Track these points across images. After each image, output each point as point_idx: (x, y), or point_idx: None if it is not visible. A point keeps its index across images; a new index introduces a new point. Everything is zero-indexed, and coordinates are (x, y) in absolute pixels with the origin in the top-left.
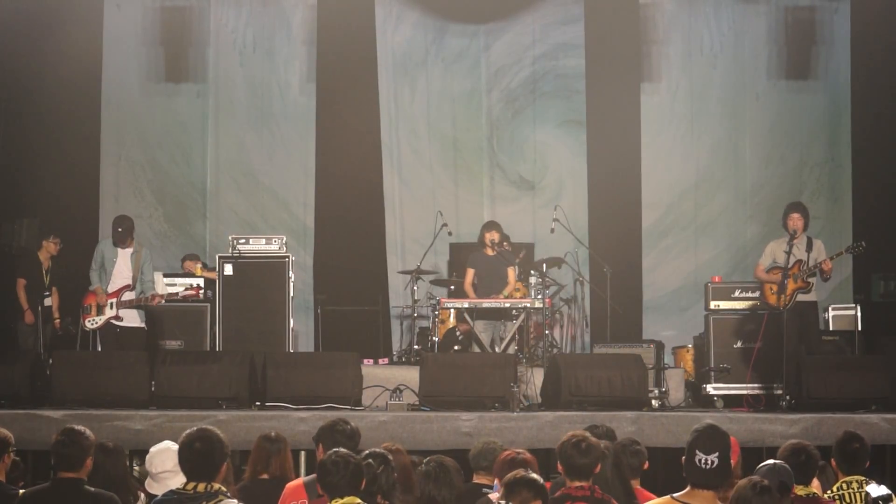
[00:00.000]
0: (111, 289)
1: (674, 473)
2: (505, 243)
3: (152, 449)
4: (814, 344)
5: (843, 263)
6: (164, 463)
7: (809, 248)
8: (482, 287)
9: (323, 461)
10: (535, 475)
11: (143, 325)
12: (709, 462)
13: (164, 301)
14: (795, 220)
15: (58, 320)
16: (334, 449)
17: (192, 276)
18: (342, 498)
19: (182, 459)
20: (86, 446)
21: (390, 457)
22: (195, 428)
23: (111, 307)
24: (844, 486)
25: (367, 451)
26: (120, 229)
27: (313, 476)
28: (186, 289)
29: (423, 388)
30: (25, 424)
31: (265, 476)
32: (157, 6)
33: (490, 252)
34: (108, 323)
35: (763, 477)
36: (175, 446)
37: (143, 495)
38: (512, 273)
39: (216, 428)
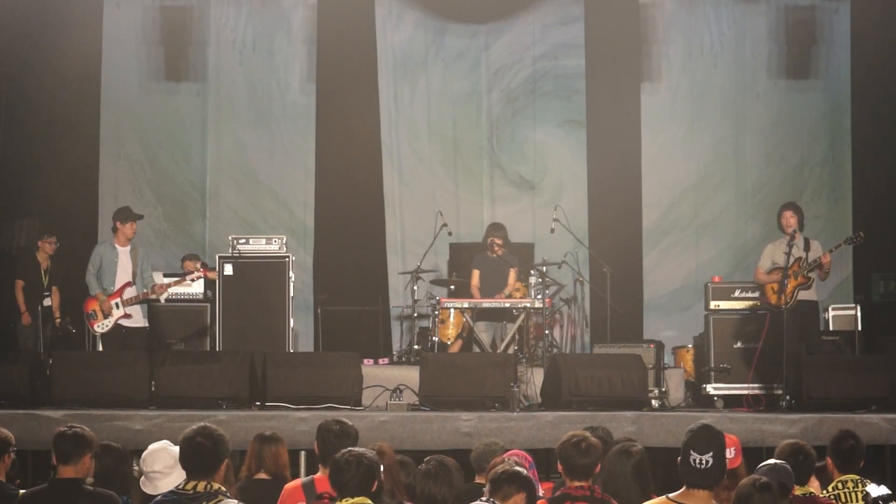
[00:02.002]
0: (116, 289)
1: (674, 473)
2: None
3: (148, 448)
4: (814, 344)
5: (843, 263)
6: (155, 463)
7: (807, 247)
8: (485, 288)
9: (336, 460)
10: (518, 468)
11: (146, 325)
12: (703, 462)
13: (168, 291)
14: (788, 217)
15: (58, 320)
16: (348, 448)
17: None
18: (353, 497)
19: (183, 454)
20: (86, 441)
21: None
22: (198, 424)
23: (117, 307)
24: (840, 485)
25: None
26: (133, 219)
27: (311, 477)
28: (196, 270)
29: (423, 388)
30: (25, 424)
31: (262, 475)
32: (157, 5)
33: (492, 254)
34: (116, 324)
35: (763, 476)
36: (171, 446)
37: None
38: (513, 274)
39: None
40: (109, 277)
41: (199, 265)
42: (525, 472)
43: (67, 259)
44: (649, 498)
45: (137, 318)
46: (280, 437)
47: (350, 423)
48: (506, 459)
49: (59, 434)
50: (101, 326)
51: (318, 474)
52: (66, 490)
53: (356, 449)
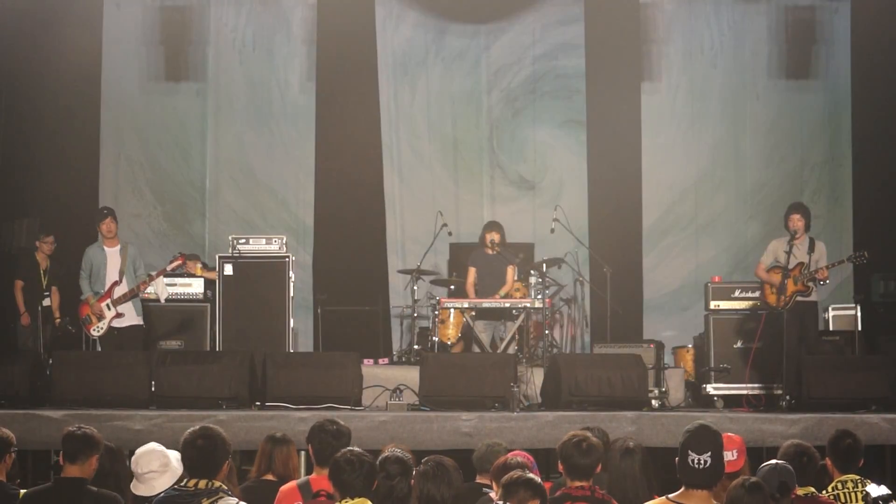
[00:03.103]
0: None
1: (674, 474)
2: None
3: (137, 451)
4: (814, 344)
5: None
6: (150, 463)
7: (811, 249)
8: (482, 286)
9: (337, 459)
10: (532, 475)
11: (141, 322)
12: (701, 462)
13: (152, 284)
14: (795, 220)
15: (58, 320)
16: (349, 447)
17: (193, 276)
18: (353, 498)
19: (184, 457)
20: (95, 442)
21: (411, 464)
22: (198, 426)
23: (108, 308)
24: (840, 485)
25: (385, 456)
26: (103, 218)
27: (307, 478)
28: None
29: (423, 388)
30: (25, 424)
31: (270, 477)
32: (157, 5)
33: (490, 251)
34: (109, 327)
35: (765, 476)
36: (160, 447)
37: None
38: (511, 272)
39: (219, 427)
40: (100, 280)
41: (183, 260)
42: (539, 480)
43: (67, 259)
44: (653, 494)
45: (130, 317)
46: (291, 440)
47: (343, 422)
48: (508, 459)
49: (68, 434)
50: (97, 330)
51: (314, 475)
52: (70, 489)
53: (356, 449)
